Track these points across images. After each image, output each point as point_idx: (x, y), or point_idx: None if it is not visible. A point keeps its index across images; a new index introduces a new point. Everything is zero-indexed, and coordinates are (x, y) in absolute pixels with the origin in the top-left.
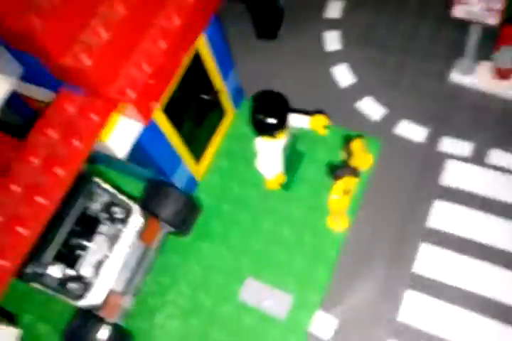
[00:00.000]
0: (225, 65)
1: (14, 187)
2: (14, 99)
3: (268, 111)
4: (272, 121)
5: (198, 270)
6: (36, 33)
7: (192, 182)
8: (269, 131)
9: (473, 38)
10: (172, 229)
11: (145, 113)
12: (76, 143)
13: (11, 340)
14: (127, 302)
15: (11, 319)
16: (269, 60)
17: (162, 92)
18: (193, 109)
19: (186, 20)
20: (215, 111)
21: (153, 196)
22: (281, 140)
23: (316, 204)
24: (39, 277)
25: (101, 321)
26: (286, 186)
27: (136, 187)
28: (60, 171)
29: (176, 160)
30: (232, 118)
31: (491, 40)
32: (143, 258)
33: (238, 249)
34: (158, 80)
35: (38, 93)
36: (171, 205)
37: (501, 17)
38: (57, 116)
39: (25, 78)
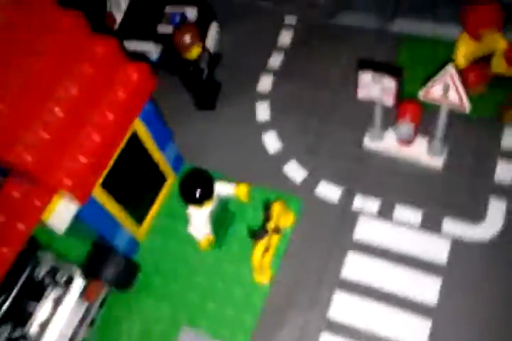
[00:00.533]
0: (162, 139)
1: None
2: None
3: (194, 185)
4: (197, 193)
5: (139, 323)
6: None
7: (133, 243)
8: (196, 201)
9: (378, 112)
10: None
11: (81, 196)
12: (20, 225)
13: None
14: None
15: None
16: (207, 128)
17: (98, 177)
18: (133, 180)
19: (118, 114)
20: (155, 178)
21: (95, 260)
22: (208, 208)
23: (245, 260)
24: None
25: None
26: (219, 244)
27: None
28: (4, 250)
29: (116, 226)
30: (172, 182)
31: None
32: (86, 315)
33: (176, 300)
34: (94, 167)
35: None
36: (110, 268)
37: (396, 98)
38: (4, 201)
39: None
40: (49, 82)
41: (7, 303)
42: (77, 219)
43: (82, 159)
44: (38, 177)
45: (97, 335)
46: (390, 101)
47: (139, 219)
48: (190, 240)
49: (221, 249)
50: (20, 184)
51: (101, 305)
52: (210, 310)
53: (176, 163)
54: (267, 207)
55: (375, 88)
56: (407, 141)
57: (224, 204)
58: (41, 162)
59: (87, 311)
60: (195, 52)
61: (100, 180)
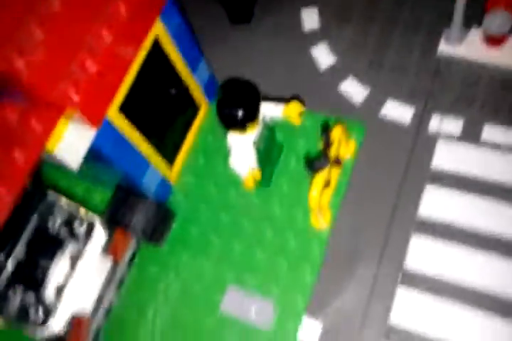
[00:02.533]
0: (192, 56)
1: None
2: None
3: (235, 102)
4: (239, 113)
5: (177, 282)
6: None
7: (165, 185)
8: (237, 124)
9: (461, 3)
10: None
11: (93, 116)
12: (18, 155)
13: None
14: (98, 322)
15: None
16: (245, 45)
17: (113, 92)
18: (160, 106)
19: (133, 5)
20: (185, 106)
21: (120, 205)
22: (252, 133)
23: (298, 200)
24: None
25: None
26: (266, 182)
27: (104, 198)
28: (1, 189)
29: (143, 163)
30: (206, 111)
31: (479, 7)
32: (112, 274)
33: (218, 255)
34: (107, 78)
35: None
36: (139, 214)
37: None
38: None
39: None
40: None
41: (12, 260)
42: (94, 152)
43: (91, 66)
44: (36, 92)
45: (128, 298)
46: None
47: (170, 156)
48: (232, 180)
49: (269, 189)
50: (16, 105)
51: (130, 262)
52: (259, 264)
53: (209, 87)
54: (326, 131)
55: None
56: (499, 39)
57: (270, 133)
58: (38, 70)
59: (114, 269)
60: None
61: (117, 100)
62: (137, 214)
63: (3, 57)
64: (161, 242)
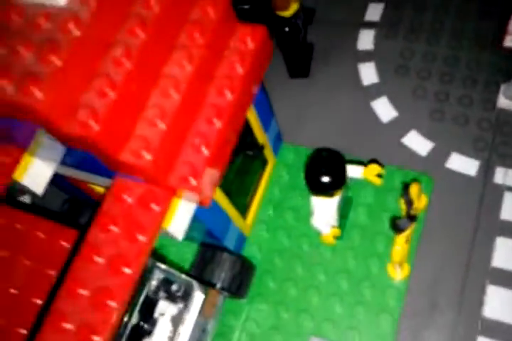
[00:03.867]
0: (266, 117)
1: (82, 291)
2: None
3: (325, 172)
4: (329, 182)
5: (258, 333)
6: (92, 136)
7: (241, 238)
8: (326, 191)
9: None
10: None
11: (207, 197)
12: (140, 237)
13: None
14: None
15: None
16: (305, 99)
17: (222, 171)
18: (237, 165)
19: (238, 91)
20: (257, 162)
21: (207, 264)
22: (337, 196)
23: (371, 252)
24: None
25: None
26: (340, 240)
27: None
28: (127, 270)
29: (226, 220)
30: (273, 165)
31: None
32: (204, 333)
33: (296, 306)
34: (217, 160)
35: (88, 178)
36: (227, 272)
37: None
38: (117, 208)
39: (75, 166)
40: (159, 59)
41: (129, 325)
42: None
43: (205, 150)
44: (157, 178)
45: None
46: None
47: (244, 210)
48: (303, 232)
49: (341, 241)
50: (132, 186)
51: (216, 319)
52: (338, 315)
53: (276, 143)
54: (406, 191)
55: None
56: None
57: (344, 192)
58: (161, 159)
59: (204, 326)
60: (293, 9)
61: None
62: (225, 272)
63: (132, 151)
64: (244, 296)
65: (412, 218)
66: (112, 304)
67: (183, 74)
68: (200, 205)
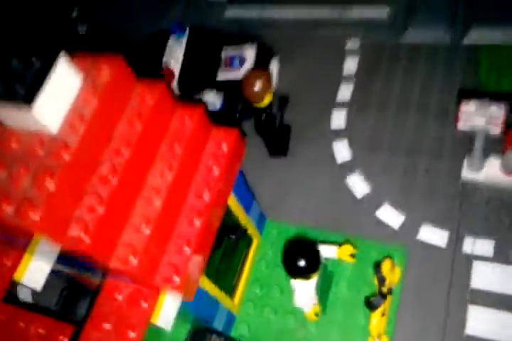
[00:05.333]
0: (247, 200)
1: None
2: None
3: (300, 256)
4: (304, 266)
5: None
6: (84, 249)
7: (231, 318)
8: (302, 274)
9: (479, 142)
10: None
11: (190, 291)
12: (131, 334)
13: None
14: None
15: None
16: (284, 176)
17: (204, 265)
18: (222, 249)
19: (217, 194)
20: (241, 243)
21: None
22: (314, 278)
23: (353, 325)
24: None
25: None
26: (323, 310)
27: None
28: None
29: (214, 304)
30: (258, 243)
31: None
32: None
33: None
34: (199, 252)
35: (82, 274)
36: None
37: (503, 126)
38: (109, 307)
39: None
40: (142, 172)
41: None
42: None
43: (187, 251)
44: (142, 279)
45: None
46: (496, 129)
47: (231, 291)
48: (289, 309)
49: (325, 316)
50: (122, 286)
51: None
52: None
53: (260, 222)
54: (377, 269)
55: (479, 117)
56: None
57: (324, 268)
58: (144, 262)
59: None
60: (267, 100)
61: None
62: None
63: (119, 258)
64: None
65: (384, 296)
66: None
67: (164, 183)
68: (187, 299)
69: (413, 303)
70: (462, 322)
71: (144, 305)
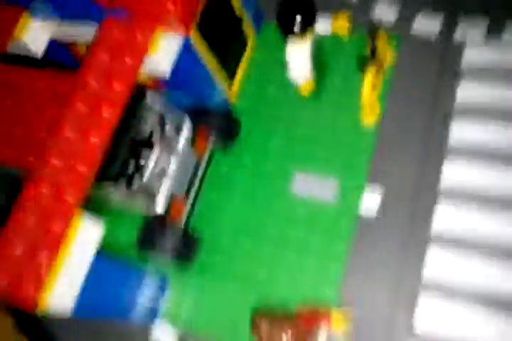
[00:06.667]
0: None
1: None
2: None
3: (294, 9)
4: (299, 17)
5: (248, 176)
6: None
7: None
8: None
9: None
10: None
11: (185, 24)
12: (128, 60)
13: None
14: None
15: None
16: None
17: (198, 4)
18: (221, 31)
19: None
20: (238, 37)
21: (202, 113)
22: (308, 42)
23: (345, 106)
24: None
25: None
26: (315, 95)
27: None
28: (117, 86)
29: (212, 80)
30: (253, 44)
31: None
32: (198, 167)
33: (281, 151)
34: None
35: (80, 32)
36: (218, 119)
37: None
38: (107, 39)
39: (69, 15)
40: None
41: (125, 152)
42: (178, 70)
43: None
44: (141, 4)
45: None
46: None
47: (229, 76)
48: (285, 99)
49: (317, 101)
50: (118, 21)
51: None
52: (319, 156)
53: (257, 20)
54: (372, 34)
55: None
56: None
57: (315, 53)
58: None
59: (197, 165)
60: None
61: (196, 18)
62: (216, 119)
63: None
64: (232, 143)
65: (375, 56)
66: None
67: None
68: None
69: (403, 86)
70: (451, 99)
71: (140, 35)
